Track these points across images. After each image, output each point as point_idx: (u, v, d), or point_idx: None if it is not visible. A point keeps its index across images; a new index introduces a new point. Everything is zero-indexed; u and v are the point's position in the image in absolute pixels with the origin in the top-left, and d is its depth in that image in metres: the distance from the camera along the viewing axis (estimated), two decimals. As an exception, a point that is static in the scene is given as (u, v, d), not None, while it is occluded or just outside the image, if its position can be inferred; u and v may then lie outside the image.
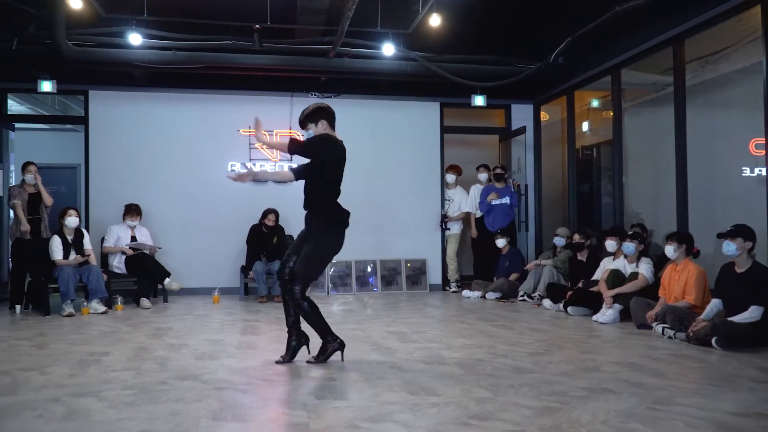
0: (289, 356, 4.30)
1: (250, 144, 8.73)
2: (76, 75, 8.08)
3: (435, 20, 6.75)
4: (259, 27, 7.15)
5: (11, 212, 7.28)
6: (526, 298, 7.57)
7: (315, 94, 8.93)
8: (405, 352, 4.66)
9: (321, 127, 4.46)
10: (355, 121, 9.07)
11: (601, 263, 6.74)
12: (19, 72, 7.82)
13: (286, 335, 4.36)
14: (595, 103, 9.09)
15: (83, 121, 8.56)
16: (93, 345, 4.99)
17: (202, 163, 8.64)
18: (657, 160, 7.53)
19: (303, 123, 4.47)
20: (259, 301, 7.73)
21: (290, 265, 4.30)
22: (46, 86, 7.71)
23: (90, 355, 4.57)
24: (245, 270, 8.02)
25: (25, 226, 7.01)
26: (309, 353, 4.32)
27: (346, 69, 7.91)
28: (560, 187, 9.45)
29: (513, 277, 8.06)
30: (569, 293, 6.72)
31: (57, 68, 7.66)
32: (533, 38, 7.73)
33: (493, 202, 8.57)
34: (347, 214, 4.47)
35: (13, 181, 8.54)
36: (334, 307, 7.32)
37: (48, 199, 7.29)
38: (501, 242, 8.27)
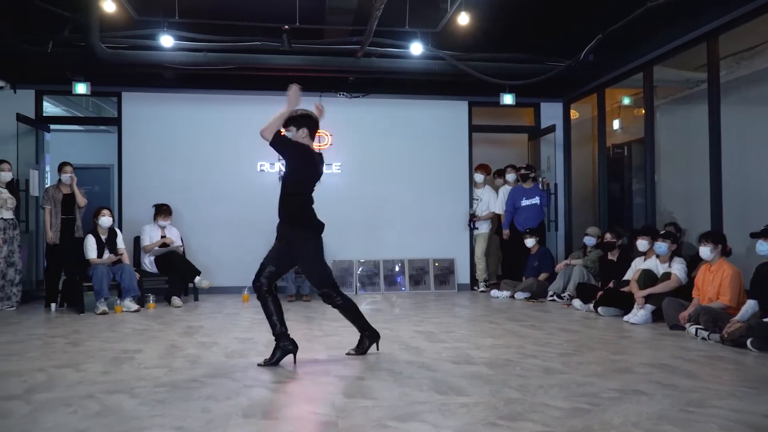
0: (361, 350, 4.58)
1: (278, 144, 8.79)
2: (109, 77, 8.25)
3: (463, 19, 6.72)
4: (288, 28, 7.20)
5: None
6: (555, 298, 7.50)
7: (343, 94, 8.97)
8: (433, 352, 4.65)
9: (301, 134, 4.50)
10: (383, 120, 9.11)
11: (633, 263, 6.64)
12: (55, 74, 7.99)
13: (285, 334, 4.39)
14: (626, 101, 8.96)
15: (116, 122, 8.73)
16: (126, 343, 5.09)
17: (232, 162, 8.74)
18: (690, 158, 7.39)
19: (287, 123, 4.48)
20: (287, 299, 7.79)
21: (266, 273, 4.42)
22: (81, 88, 7.87)
23: (123, 353, 4.65)
24: (274, 269, 8.07)
25: (51, 235, 7.16)
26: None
27: (374, 69, 7.92)
28: (590, 185, 9.34)
29: (542, 276, 7.99)
30: (600, 293, 6.64)
31: (91, 71, 7.83)
32: (563, 35, 7.64)
33: (523, 203, 8.51)
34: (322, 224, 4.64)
35: (48, 182, 8.75)
36: (362, 307, 7.28)
37: (81, 200, 7.44)
38: (530, 242, 8.20)
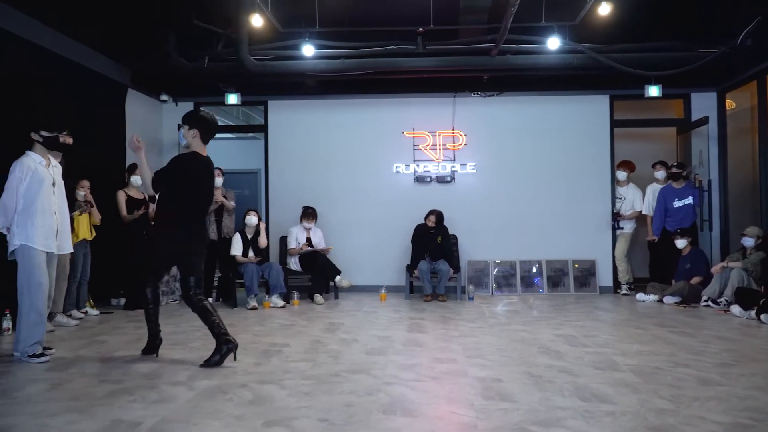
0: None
1: (414, 145, 8.93)
2: (257, 87, 8.80)
3: (604, 9, 6.45)
4: (423, 30, 7.28)
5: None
6: (710, 303, 6.96)
7: (478, 94, 8.92)
8: (574, 356, 4.50)
9: (191, 134, 4.45)
10: (518, 118, 8.94)
11: (802, 266, 6.01)
12: (209, 87, 8.66)
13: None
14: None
15: (263, 129, 9.30)
16: (274, 336, 5.40)
17: (369, 164, 8.99)
18: None
19: (184, 119, 4.51)
20: (424, 299, 7.87)
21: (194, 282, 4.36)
22: (232, 99, 8.48)
23: (272, 346, 4.95)
24: (410, 269, 8.20)
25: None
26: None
27: (509, 66, 7.80)
28: (749, 181, 8.53)
29: (695, 280, 7.44)
30: (763, 299, 6.06)
31: (241, 82, 8.42)
32: (715, 20, 7.06)
33: (675, 205, 7.98)
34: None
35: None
36: (498, 308, 7.25)
37: (229, 205, 7.98)
38: (681, 243, 7.67)
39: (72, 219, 6.00)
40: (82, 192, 6.31)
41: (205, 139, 4.52)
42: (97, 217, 6.52)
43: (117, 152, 7.78)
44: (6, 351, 4.71)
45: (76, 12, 6.49)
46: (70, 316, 6.08)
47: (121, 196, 6.98)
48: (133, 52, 7.78)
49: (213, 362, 4.21)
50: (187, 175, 4.38)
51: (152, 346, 4.58)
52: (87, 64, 7.11)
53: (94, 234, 6.51)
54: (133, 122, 8.12)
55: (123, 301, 7.23)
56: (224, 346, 4.23)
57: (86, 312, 6.49)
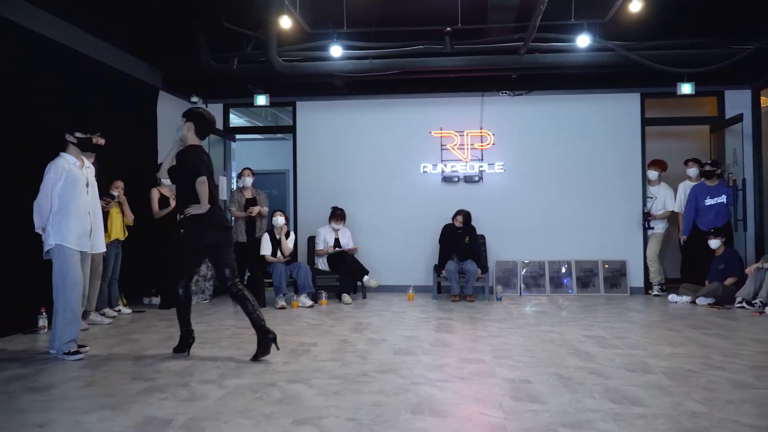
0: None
1: (441, 145, 8.91)
2: (285, 88, 8.87)
3: (635, 6, 6.36)
4: (450, 29, 7.26)
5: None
6: (744, 305, 6.82)
7: (506, 93, 8.86)
8: (605, 358, 4.44)
9: (186, 127, 4.61)
10: (548, 117, 8.87)
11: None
12: (238, 88, 8.75)
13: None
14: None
15: (291, 130, 9.36)
16: (302, 336, 5.44)
17: (397, 164, 9.00)
18: None
19: (184, 113, 4.68)
20: (451, 299, 7.85)
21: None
22: (261, 100, 8.56)
23: (300, 345, 4.99)
24: (438, 269, 8.18)
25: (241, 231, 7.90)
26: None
27: (538, 64, 7.73)
28: (786, 180, 8.34)
29: (729, 281, 7.30)
30: (800, 301, 5.93)
31: (269, 83, 8.49)
32: (749, 15, 6.90)
33: (707, 203, 7.83)
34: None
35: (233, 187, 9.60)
36: (527, 309, 7.20)
37: (264, 211, 8.06)
38: (715, 243, 7.53)
39: (105, 219, 6.13)
40: (116, 192, 6.43)
41: (200, 134, 4.67)
42: (130, 217, 6.64)
43: (149, 153, 7.91)
44: (42, 348, 4.83)
45: (110, 16, 6.62)
46: (103, 314, 6.21)
47: (155, 194, 7.12)
48: (165, 55, 7.90)
49: (260, 355, 4.42)
50: (205, 166, 4.54)
51: (184, 345, 4.65)
52: (120, 67, 7.24)
53: (126, 234, 6.63)
54: (164, 123, 8.25)
55: (156, 300, 7.35)
56: (266, 337, 4.43)
57: (119, 310, 6.61)
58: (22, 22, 5.68)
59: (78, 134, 4.77)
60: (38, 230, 4.67)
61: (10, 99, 5.51)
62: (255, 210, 7.96)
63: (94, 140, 4.93)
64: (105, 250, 5.23)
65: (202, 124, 4.66)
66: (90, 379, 3.91)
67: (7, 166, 5.41)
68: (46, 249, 4.63)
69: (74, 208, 4.63)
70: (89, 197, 4.79)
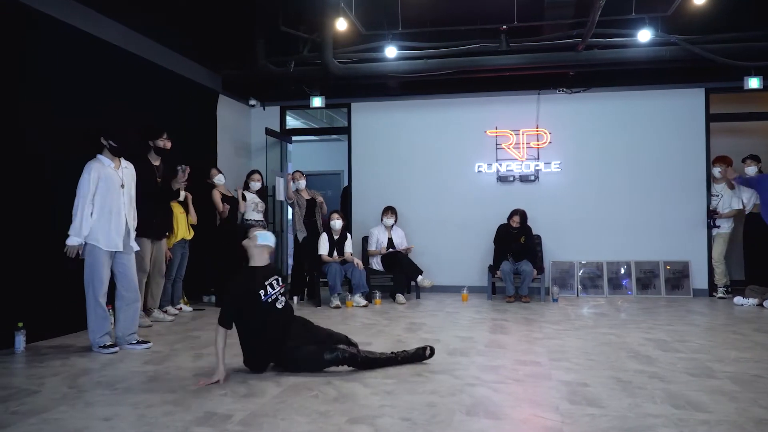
0: None
1: (496, 145, 8.83)
2: (340, 89, 8.96)
3: (699, -2, 6.16)
4: (506, 27, 7.19)
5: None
6: (818, 309, 6.49)
7: (563, 90, 8.70)
8: (666, 362, 4.32)
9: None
10: (607, 115, 8.67)
11: None
12: (295, 91, 8.90)
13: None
14: None
15: (346, 131, 9.46)
16: (357, 335, 5.45)
17: (451, 164, 8.96)
18: None
19: None
20: (506, 300, 7.76)
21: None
22: (317, 102, 8.68)
23: (355, 344, 5.03)
24: (492, 269, 8.11)
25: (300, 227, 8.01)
26: None
27: (596, 61, 7.56)
28: None
29: (800, 284, 6.97)
30: None
31: (325, 85, 8.59)
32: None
33: None
34: None
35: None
36: (584, 310, 7.05)
37: (324, 208, 8.18)
38: (784, 243, 7.20)
39: (171, 218, 6.33)
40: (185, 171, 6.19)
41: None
42: (194, 217, 6.85)
43: (209, 155, 8.13)
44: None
45: (172, 23, 6.85)
46: (165, 312, 6.42)
47: (216, 194, 7.32)
48: (224, 60, 8.11)
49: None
50: None
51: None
52: (182, 72, 7.48)
53: (192, 233, 6.83)
54: (223, 126, 8.47)
55: (215, 298, 7.55)
56: (423, 355, 4.33)
57: (181, 308, 6.82)
58: (100, 35, 6.02)
59: (111, 142, 4.82)
60: (74, 235, 4.66)
61: (84, 105, 5.75)
62: (319, 197, 8.09)
63: (161, 143, 5.09)
64: (138, 248, 5.14)
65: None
66: (153, 375, 4.05)
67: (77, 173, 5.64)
68: (73, 243, 4.65)
69: (108, 208, 4.77)
70: (124, 198, 4.91)
